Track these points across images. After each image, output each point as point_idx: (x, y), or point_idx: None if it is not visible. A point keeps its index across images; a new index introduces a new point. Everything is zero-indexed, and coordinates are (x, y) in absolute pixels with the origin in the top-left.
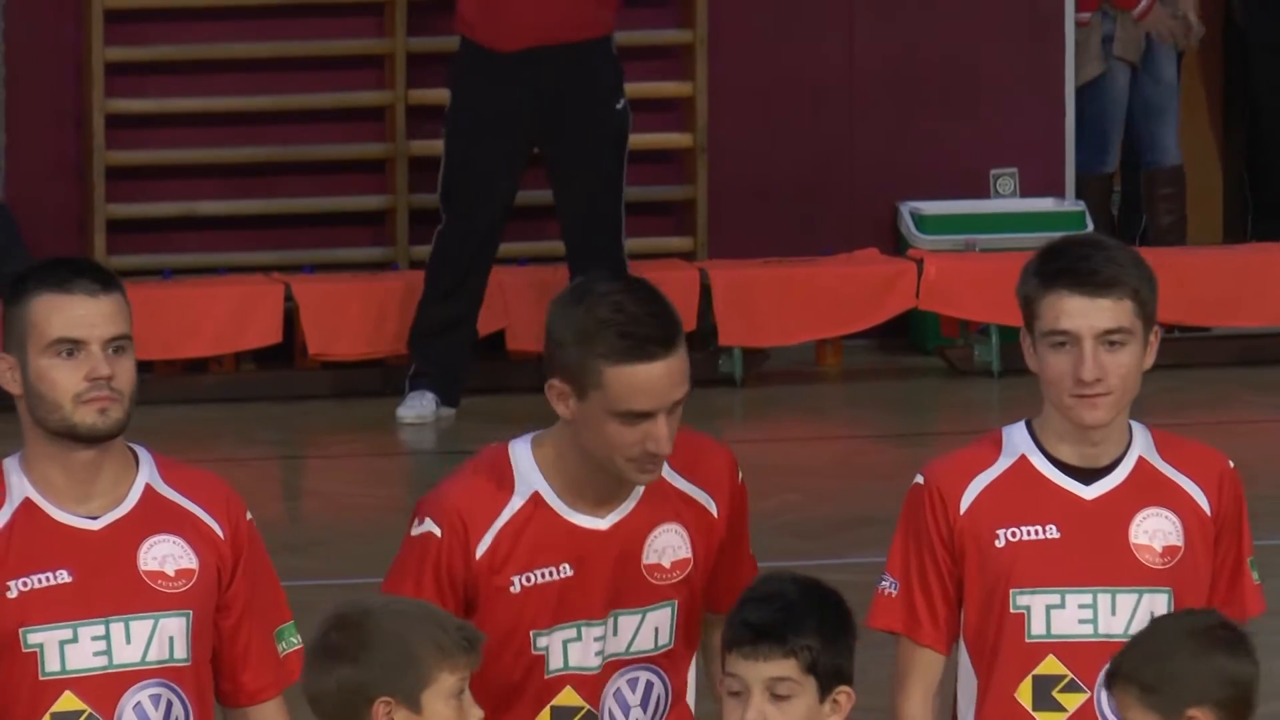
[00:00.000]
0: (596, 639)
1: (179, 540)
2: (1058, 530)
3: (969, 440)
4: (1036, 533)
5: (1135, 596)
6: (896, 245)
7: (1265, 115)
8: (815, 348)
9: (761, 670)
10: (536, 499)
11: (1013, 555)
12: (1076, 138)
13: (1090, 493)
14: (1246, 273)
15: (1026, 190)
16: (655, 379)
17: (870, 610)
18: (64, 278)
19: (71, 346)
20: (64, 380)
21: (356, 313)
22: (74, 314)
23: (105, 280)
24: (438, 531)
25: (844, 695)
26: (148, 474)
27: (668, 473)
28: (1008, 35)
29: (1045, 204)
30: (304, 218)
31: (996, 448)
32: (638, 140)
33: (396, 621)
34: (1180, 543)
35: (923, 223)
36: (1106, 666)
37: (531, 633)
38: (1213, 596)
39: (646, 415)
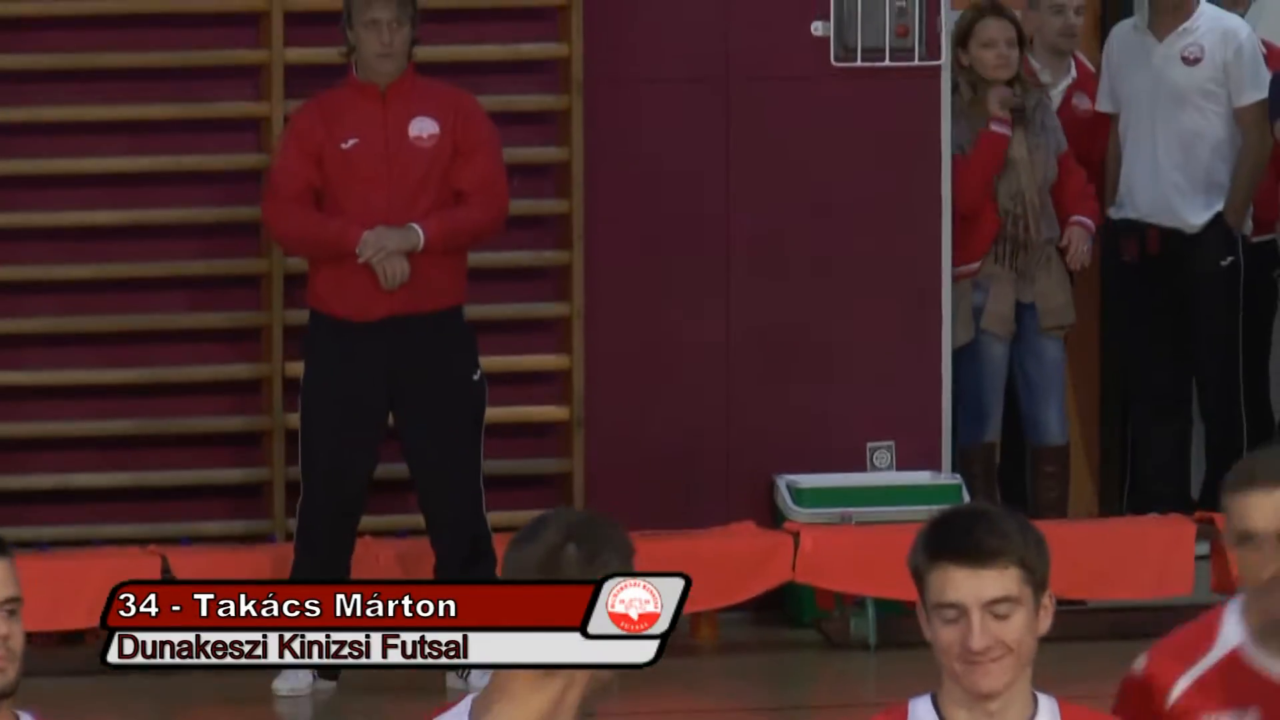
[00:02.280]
0: None
1: None
2: None
3: (849, 712)
4: None
5: None
6: (773, 518)
7: (1144, 388)
8: (691, 620)
9: None
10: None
11: None
12: (954, 408)
13: None
14: (1121, 546)
15: (903, 463)
16: None
17: None
18: None
19: None
20: None
21: None
22: None
23: None
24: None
25: None
26: None
27: None
28: (885, 307)
29: (922, 477)
30: (180, 490)
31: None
32: (515, 413)
33: None
34: None
35: (799, 496)
36: None
37: None
38: None
39: None
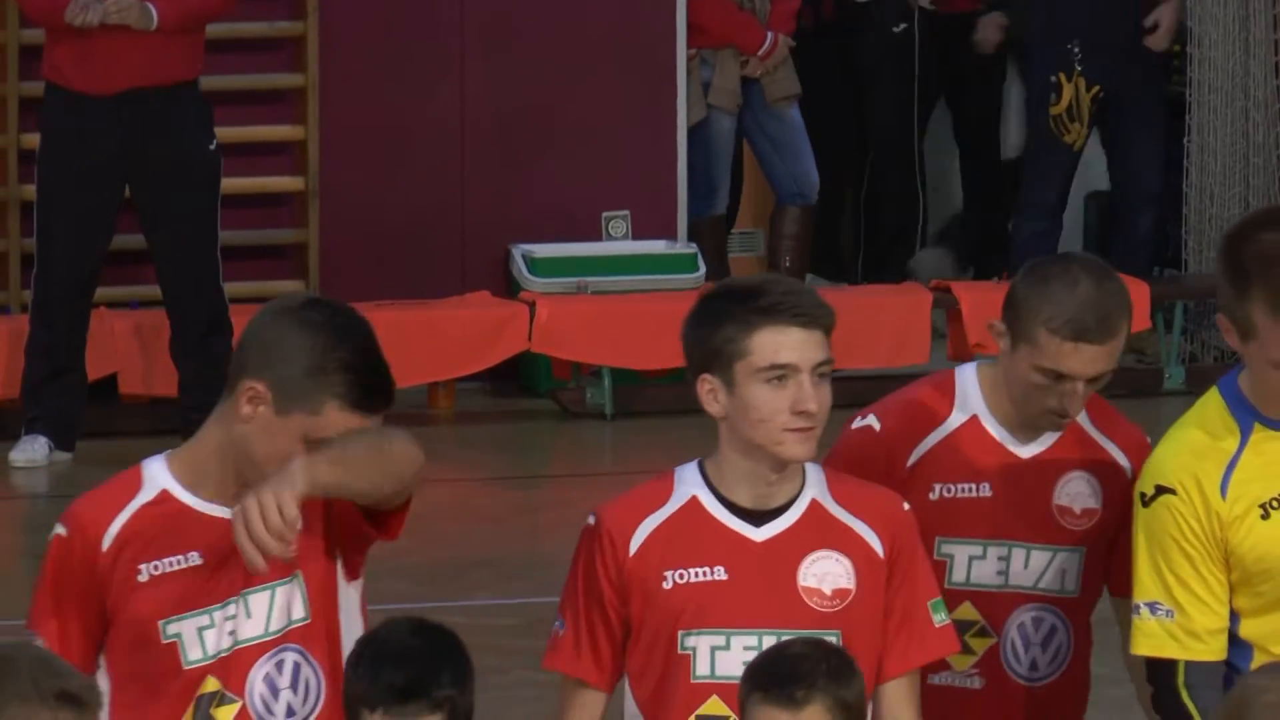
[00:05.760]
0: (229, 618)
1: None
2: (726, 572)
3: (585, 480)
4: (704, 574)
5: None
6: (509, 288)
7: (881, 156)
8: (428, 390)
9: None
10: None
11: (681, 597)
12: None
13: (760, 534)
14: (859, 315)
15: (639, 233)
16: None
17: (546, 650)
18: None
19: None
20: None
21: None
22: None
23: None
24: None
25: None
26: None
27: None
28: (620, 79)
29: (657, 246)
30: None
31: (668, 488)
32: (250, 184)
33: None
34: (851, 585)
35: (535, 265)
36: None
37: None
38: (892, 640)
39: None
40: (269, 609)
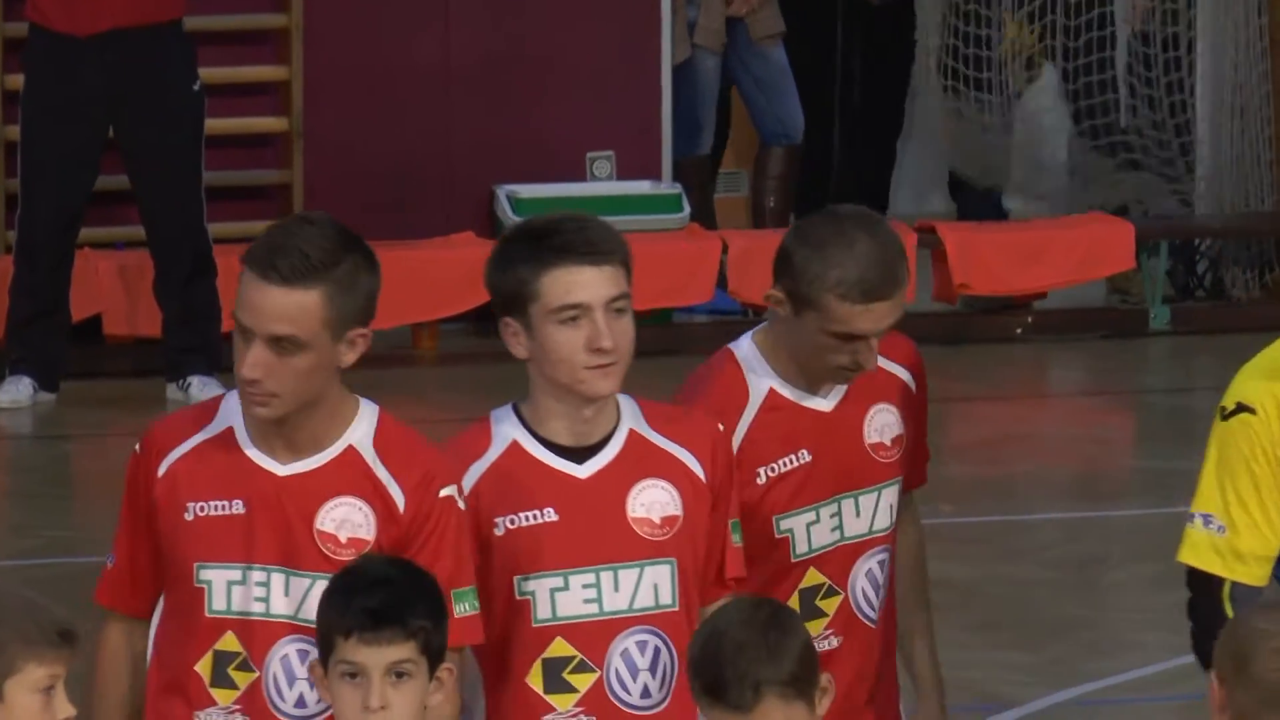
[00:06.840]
0: (260, 584)
1: None
2: (555, 513)
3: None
4: (535, 517)
5: (637, 571)
6: (493, 229)
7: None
8: (411, 331)
9: (384, 655)
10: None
11: (515, 542)
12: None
13: (584, 471)
14: None
15: (623, 173)
16: None
17: None
18: None
19: None
20: None
21: None
22: None
23: None
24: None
25: (446, 671)
26: None
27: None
28: (604, 20)
29: (642, 186)
30: None
31: (486, 434)
32: (234, 124)
33: None
34: (679, 512)
35: (519, 205)
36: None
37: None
38: (710, 562)
39: None
40: (304, 594)
